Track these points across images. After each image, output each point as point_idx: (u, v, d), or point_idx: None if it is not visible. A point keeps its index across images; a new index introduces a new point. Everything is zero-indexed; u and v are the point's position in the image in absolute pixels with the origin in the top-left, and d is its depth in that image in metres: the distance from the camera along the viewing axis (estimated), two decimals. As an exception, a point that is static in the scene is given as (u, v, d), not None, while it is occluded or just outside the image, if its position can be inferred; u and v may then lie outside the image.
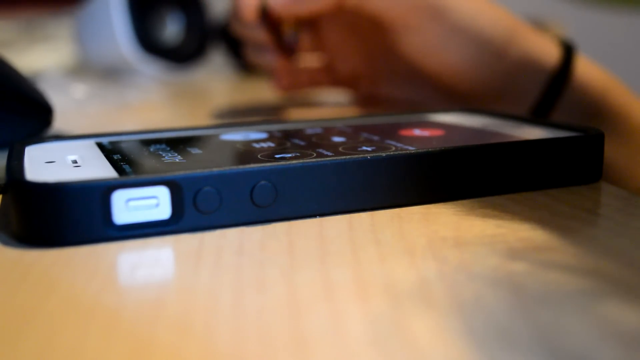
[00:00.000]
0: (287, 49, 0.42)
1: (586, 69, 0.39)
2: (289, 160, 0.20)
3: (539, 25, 0.80)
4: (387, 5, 0.38)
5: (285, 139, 0.25)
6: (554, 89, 0.38)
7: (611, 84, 0.39)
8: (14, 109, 0.29)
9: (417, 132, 0.26)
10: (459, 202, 0.22)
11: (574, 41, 0.40)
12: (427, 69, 0.39)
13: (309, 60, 0.47)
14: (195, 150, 0.23)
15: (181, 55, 0.66)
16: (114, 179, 0.18)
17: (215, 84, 0.65)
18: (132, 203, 0.18)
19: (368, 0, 0.38)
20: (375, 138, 0.24)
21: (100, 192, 0.18)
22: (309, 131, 0.26)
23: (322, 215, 0.20)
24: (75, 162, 0.21)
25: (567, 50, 0.39)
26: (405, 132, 0.26)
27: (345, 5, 0.39)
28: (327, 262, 0.17)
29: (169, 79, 0.64)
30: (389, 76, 0.45)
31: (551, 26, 0.82)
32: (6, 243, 0.18)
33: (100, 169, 0.20)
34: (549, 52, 0.38)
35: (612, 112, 0.38)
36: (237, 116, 0.43)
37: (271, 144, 0.24)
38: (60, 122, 0.35)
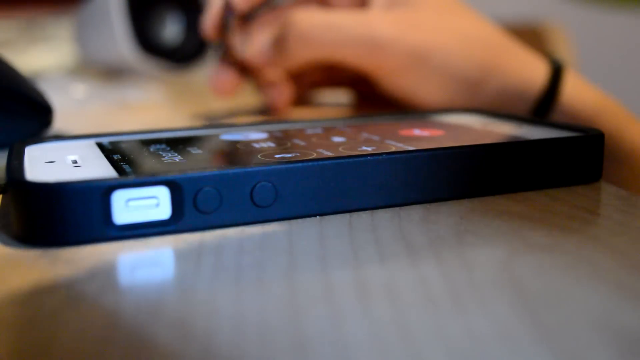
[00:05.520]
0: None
1: (576, 89, 0.38)
2: (289, 160, 0.20)
3: (538, 26, 0.80)
4: (359, 59, 0.37)
5: (285, 139, 0.25)
6: (539, 114, 0.37)
7: (604, 105, 0.38)
8: (14, 109, 0.29)
9: (417, 132, 0.26)
10: (459, 201, 0.22)
11: (563, 61, 0.39)
12: (407, 104, 0.39)
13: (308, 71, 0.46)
14: (195, 150, 0.23)
15: (181, 55, 0.66)
16: (114, 179, 0.18)
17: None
18: (132, 203, 0.18)
19: (337, 54, 0.37)
20: (375, 138, 0.24)
21: (100, 192, 0.18)
22: (309, 131, 0.26)
23: (322, 215, 0.20)
24: (75, 162, 0.21)
25: (555, 72, 0.38)
26: (405, 132, 0.26)
27: (319, 61, 0.38)
28: (327, 262, 0.17)
29: (169, 79, 0.64)
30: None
31: (551, 27, 0.82)
32: (6, 243, 0.18)
33: (100, 169, 0.20)
34: (535, 76, 0.37)
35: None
36: (237, 116, 0.43)
37: (271, 144, 0.24)
38: (60, 122, 0.35)
